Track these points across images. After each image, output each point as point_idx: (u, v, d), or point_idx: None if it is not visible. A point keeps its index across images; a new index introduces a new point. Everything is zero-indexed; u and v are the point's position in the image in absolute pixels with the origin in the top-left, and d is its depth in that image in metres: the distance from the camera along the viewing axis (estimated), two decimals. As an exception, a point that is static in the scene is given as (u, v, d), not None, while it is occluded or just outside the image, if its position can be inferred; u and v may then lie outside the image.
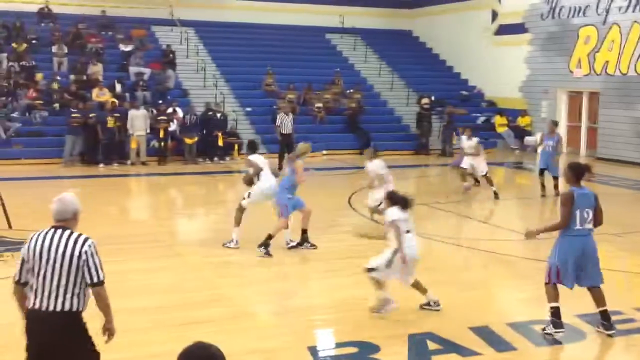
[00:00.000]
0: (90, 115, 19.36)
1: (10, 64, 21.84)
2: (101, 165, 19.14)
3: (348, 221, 12.96)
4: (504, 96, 25.59)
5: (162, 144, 20.05)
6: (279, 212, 10.18)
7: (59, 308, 4.48)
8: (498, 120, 24.63)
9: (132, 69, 23.09)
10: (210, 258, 9.90)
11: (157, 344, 6.47)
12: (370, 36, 29.03)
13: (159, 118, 20.18)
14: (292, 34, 27.83)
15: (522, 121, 24.30)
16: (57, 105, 20.73)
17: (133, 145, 19.51)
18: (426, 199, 14.83)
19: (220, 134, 20.46)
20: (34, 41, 23.26)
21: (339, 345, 6.69)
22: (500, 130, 24.58)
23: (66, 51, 23.08)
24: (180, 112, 20.81)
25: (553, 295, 6.71)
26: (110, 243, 10.51)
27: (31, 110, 20.47)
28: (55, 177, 17.54)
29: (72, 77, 22.01)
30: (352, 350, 6.42)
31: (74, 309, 4.54)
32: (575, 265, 6.65)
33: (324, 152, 22.20)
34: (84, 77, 21.97)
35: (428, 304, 7.47)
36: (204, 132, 20.56)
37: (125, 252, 10.15)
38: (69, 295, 4.51)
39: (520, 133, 23.91)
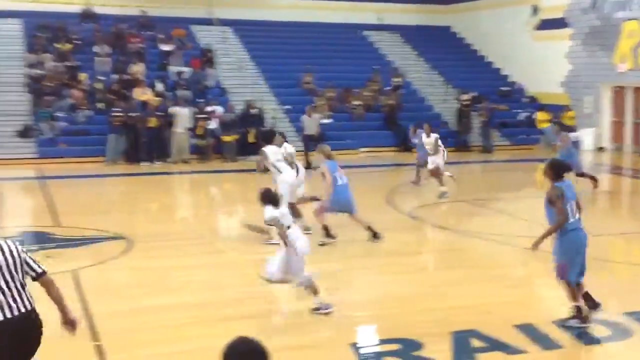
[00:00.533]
0: (132, 114, 19.66)
1: (55, 64, 22.28)
2: (143, 163, 19.41)
3: (386, 218, 12.92)
4: (546, 92, 25.20)
5: (203, 142, 20.25)
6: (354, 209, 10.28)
7: (29, 307, 4.47)
8: (540, 116, 24.24)
9: (173, 68, 23.36)
10: (250, 255, 9.96)
11: (196, 340, 6.53)
12: (408, 33, 28.87)
13: (198, 116, 20.39)
14: (329, 31, 27.81)
15: (565, 117, 23.89)
16: (100, 104, 21.08)
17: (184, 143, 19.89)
18: (467, 196, 14.71)
19: (252, 131, 20.52)
20: (77, 41, 23.68)
21: (381, 342, 6.67)
22: (542, 126, 24.20)
23: (108, 51, 23.45)
24: (219, 111, 21.00)
25: (574, 294, 6.74)
26: (153, 240, 10.69)
27: (75, 110, 20.87)
28: (98, 175, 17.86)
29: (114, 76, 22.36)
30: (395, 347, 6.40)
31: (34, 305, 4.54)
32: (582, 260, 6.70)
33: (362, 149, 22.18)
34: (126, 77, 22.30)
35: (318, 308, 7.19)
36: (244, 129, 20.71)
37: (166, 249, 10.29)
38: (28, 294, 4.50)
39: (563, 129, 23.52)
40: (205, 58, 24.14)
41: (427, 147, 14.83)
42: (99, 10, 25.55)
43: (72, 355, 6.19)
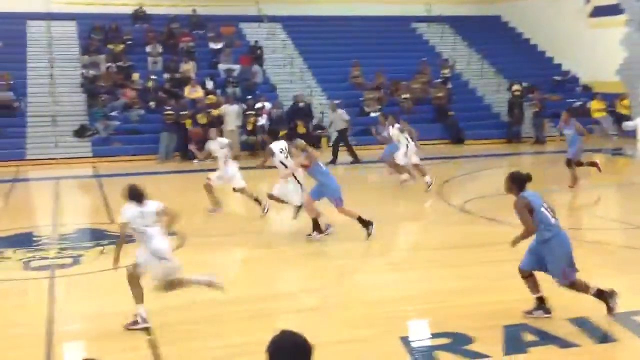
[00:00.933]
0: (183, 112, 19.96)
1: (108, 64, 22.79)
2: (195, 160, 19.66)
3: (436, 211, 12.83)
4: (601, 80, 24.58)
5: (253, 138, 20.44)
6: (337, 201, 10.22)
7: None
8: (594, 105, 23.68)
9: (222, 66, 23.63)
10: (301, 250, 10.03)
11: (247, 334, 6.60)
12: (458, 23, 28.53)
13: (247, 113, 20.59)
14: (377, 24, 27.69)
15: (620, 105, 23.27)
16: (152, 103, 21.48)
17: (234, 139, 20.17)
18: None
19: (301, 123, 20.62)
20: (129, 42, 24.16)
21: (431, 336, 6.63)
22: (597, 115, 23.63)
23: (160, 51, 23.86)
24: (268, 107, 21.16)
25: (585, 286, 6.73)
26: (206, 235, 10.85)
27: (128, 109, 21.31)
28: (151, 172, 18.18)
29: (166, 75, 22.74)
30: (445, 340, 6.35)
31: None
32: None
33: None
34: (177, 75, 22.65)
35: (135, 322, 6.74)
36: (292, 125, 20.82)
37: (219, 244, 10.42)
38: None
39: (619, 118, 22.92)
40: (254, 55, 24.34)
41: (393, 139, 14.55)
42: (150, 10, 26.02)
43: (127, 348, 6.35)
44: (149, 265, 6.81)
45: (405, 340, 6.43)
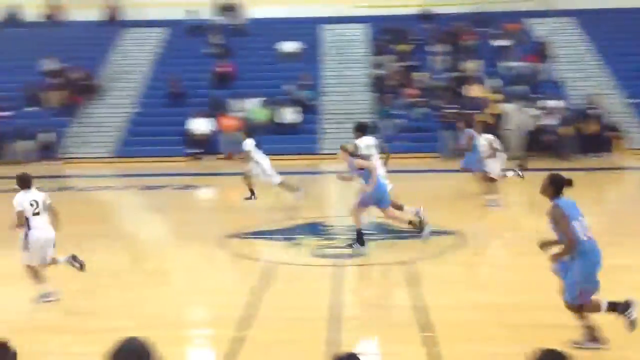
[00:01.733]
0: (464, 111, 20.01)
1: (395, 64, 23.67)
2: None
3: None
4: None
5: (539, 138, 19.77)
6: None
7: None
8: None
9: (507, 64, 23.17)
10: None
11: (503, 344, 6.37)
12: None
13: (533, 112, 19.97)
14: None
15: None
16: (435, 102, 21.85)
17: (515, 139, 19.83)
18: None
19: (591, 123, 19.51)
20: (415, 42, 24.79)
21: None
22: None
23: (444, 50, 24.12)
24: (557, 106, 20.31)
25: (595, 307, 6.13)
26: (482, 237, 10.77)
27: (413, 107, 21.95)
28: (432, 170, 18.54)
29: (449, 74, 22.95)
30: None
31: None
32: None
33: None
34: (460, 74, 22.74)
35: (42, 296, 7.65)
36: (581, 125, 19.76)
37: (496, 247, 10.26)
38: None
39: None
40: (542, 51, 23.48)
41: (479, 147, 13.08)
42: (436, 10, 26.42)
43: (402, 341, 6.57)
44: (32, 251, 7.66)
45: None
